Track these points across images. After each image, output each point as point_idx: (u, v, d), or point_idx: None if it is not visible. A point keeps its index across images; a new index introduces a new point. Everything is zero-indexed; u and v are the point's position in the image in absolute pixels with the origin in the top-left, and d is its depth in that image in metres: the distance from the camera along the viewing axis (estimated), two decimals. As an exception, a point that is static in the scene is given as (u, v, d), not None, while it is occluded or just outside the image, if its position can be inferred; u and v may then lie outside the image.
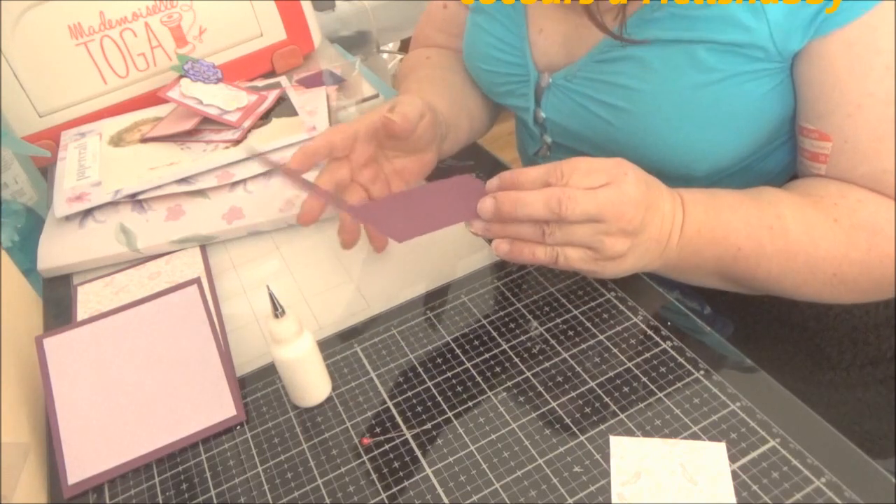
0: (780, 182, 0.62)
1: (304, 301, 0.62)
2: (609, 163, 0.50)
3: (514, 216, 0.49)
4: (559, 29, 0.65)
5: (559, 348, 0.53)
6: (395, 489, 0.45)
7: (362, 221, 0.60)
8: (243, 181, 0.73)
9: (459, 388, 0.51)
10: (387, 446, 0.48)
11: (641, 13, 0.57)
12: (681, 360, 0.51)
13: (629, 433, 0.46)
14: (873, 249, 0.52)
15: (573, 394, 0.49)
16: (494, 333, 0.55)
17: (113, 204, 0.72)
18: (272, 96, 0.84)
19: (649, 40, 0.56)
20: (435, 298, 0.59)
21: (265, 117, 0.82)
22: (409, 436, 0.49)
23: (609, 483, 0.44)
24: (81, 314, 0.63)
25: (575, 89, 0.64)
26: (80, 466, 0.50)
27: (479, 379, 0.52)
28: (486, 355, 0.53)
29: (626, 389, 0.49)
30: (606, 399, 0.49)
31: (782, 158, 0.64)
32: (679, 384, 0.49)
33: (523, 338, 0.54)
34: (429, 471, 0.46)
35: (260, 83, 0.92)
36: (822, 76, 0.53)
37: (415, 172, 0.65)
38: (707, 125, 0.58)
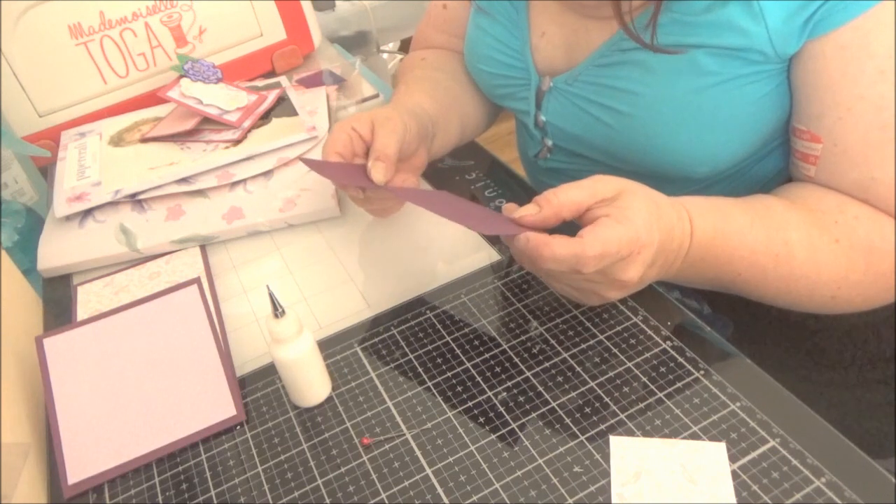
0: (776, 184, 0.61)
1: (304, 301, 0.62)
2: (625, 242, 0.46)
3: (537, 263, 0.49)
4: (561, 33, 0.65)
5: (559, 348, 0.53)
6: (395, 489, 0.45)
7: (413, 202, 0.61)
8: (243, 181, 0.73)
9: (459, 388, 0.51)
10: (387, 446, 0.48)
11: (644, 18, 0.57)
12: (681, 360, 0.51)
13: (629, 433, 0.46)
14: (870, 268, 0.53)
15: (573, 394, 0.49)
16: (494, 333, 0.55)
17: (113, 204, 0.72)
18: (272, 96, 0.84)
19: (684, 48, 0.55)
20: (435, 298, 0.59)
21: (265, 117, 0.82)
22: (409, 436, 0.49)
23: (609, 483, 0.44)
24: (81, 314, 0.63)
25: (576, 93, 0.64)
26: (80, 466, 0.50)
27: (479, 379, 0.52)
28: (486, 355, 0.53)
29: (626, 389, 0.49)
30: (606, 399, 0.49)
31: (777, 161, 0.64)
32: (679, 384, 0.49)
33: (523, 338, 0.54)
34: (429, 471, 0.46)
35: (260, 83, 0.92)
36: (815, 78, 0.53)
37: (408, 173, 0.65)
38: (708, 128, 0.57)
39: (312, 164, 0.61)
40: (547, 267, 0.47)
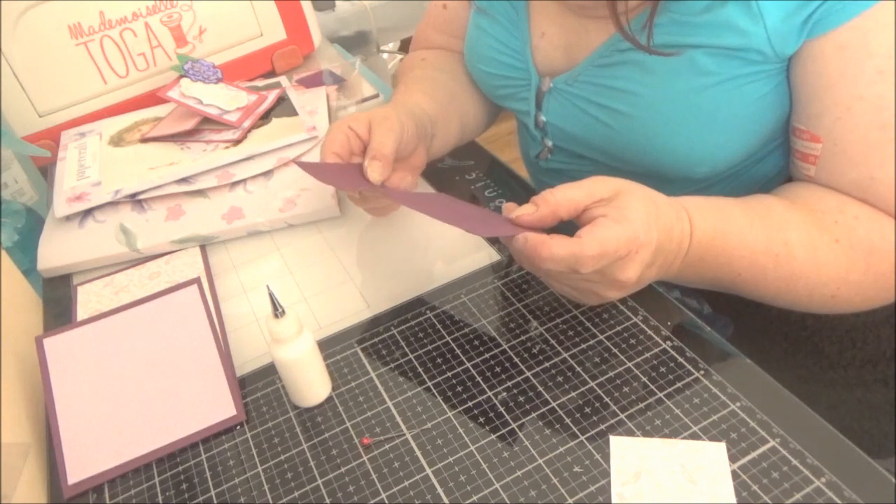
0: (776, 184, 0.61)
1: (304, 301, 0.62)
2: (623, 241, 0.46)
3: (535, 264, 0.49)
4: (561, 33, 0.65)
5: (559, 348, 0.53)
6: (395, 489, 0.45)
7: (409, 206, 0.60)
8: (243, 181, 0.73)
9: (459, 388, 0.51)
10: (387, 446, 0.48)
11: (642, 18, 0.57)
12: (681, 360, 0.51)
13: (629, 433, 0.46)
14: (870, 268, 0.53)
15: (573, 394, 0.49)
16: (494, 333, 0.55)
17: (113, 204, 0.72)
18: (272, 96, 0.84)
19: (682, 48, 0.55)
20: (435, 298, 0.59)
21: (265, 117, 0.82)
22: (409, 436, 0.49)
23: (609, 483, 0.44)
24: (81, 314, 0.63)
25: (576, 93, 0.64)
26: (80, 466, 0.50)
27: (479, 379, 0.52)
28: (486, 355, 0.53)
29: (626, 389, 0.49)
30: (606, 399, 0.49)
31: (777, 161, 0.64)
32: (679, 384, 0.49)
33: (523, 338, 0.54)
34: (429, 471, 0.46)
35: (260, 83, 0.92)
36: (815, 78, 0.53)
37: (407, 173, 0.65)
38: (707, 128, 0.57)
39: (307, 168, 0.61)
40: (545, 267, 0.47)
